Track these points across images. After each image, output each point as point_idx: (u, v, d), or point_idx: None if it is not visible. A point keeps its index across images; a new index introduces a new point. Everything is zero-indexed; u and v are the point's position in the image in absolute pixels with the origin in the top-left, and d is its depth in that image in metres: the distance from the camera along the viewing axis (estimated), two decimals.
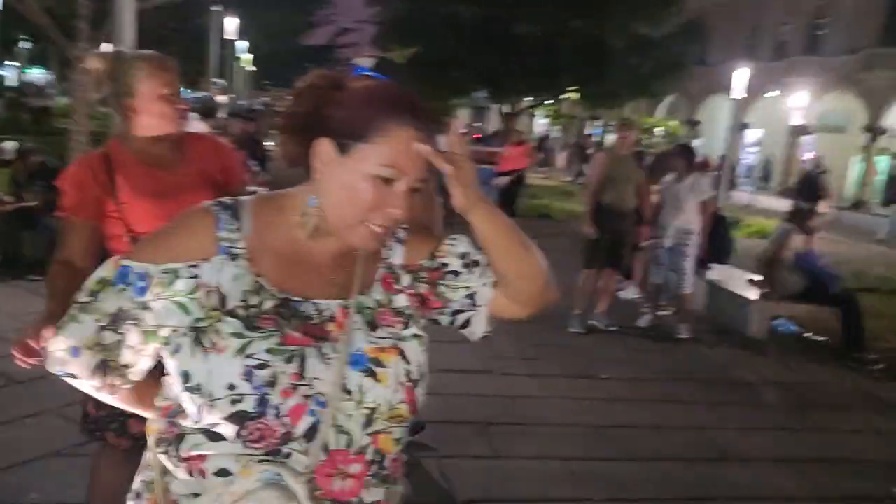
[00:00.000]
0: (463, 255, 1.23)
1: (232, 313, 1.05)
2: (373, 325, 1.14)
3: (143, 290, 1.07)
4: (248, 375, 1.02)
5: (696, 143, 28.92)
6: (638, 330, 6.44)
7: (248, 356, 1.03)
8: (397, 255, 1.23)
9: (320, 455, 1.04)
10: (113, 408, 2.12)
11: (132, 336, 1.10)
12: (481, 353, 5.06)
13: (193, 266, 1.07)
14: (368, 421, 1.08)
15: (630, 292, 7.47)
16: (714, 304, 7.06)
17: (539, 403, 4.51)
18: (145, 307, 1.07)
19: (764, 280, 6.69)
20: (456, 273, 1.23)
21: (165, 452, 1.09)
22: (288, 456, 1.03)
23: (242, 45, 23.95)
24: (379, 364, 1.11)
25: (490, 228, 1.16)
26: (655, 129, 25.85)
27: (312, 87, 1.13)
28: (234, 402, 1.02)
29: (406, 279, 1.21)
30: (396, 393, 1.10)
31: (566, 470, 3.63)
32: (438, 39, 18.44)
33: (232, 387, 1.02)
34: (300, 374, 1.04)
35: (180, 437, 1.08)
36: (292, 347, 1.06)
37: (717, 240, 6.84)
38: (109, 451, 2.23)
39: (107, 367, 1.13)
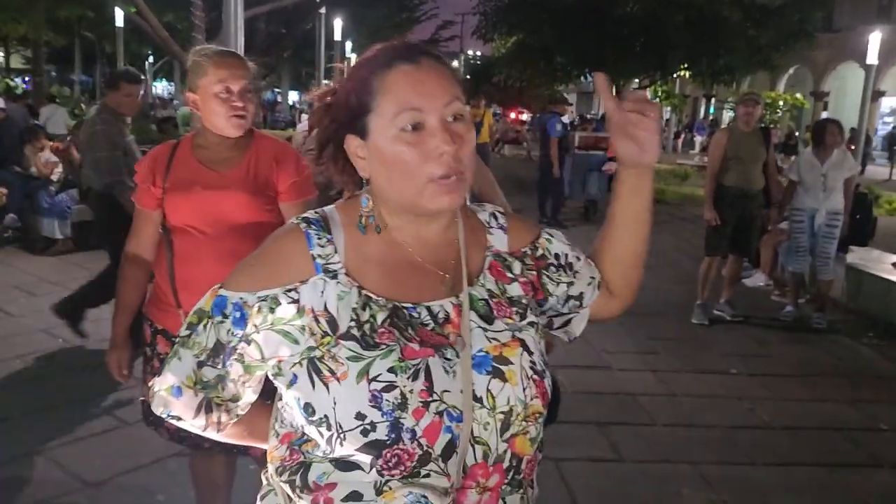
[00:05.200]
0: (558, 256, 1.19)
1: (346, 335, 0.97)
2: (489, 319, 1.05)
3: (241, 322, 1.00)
4: (376, 401, 0.94)
5: (823, 115, 27.18)
6: (767, 321, 6.00)
7: (373, 379, 0.95)
8: (501, 243, 1.15)
9: (460, 473, 0.97)
10: None
11: (234, 368, 1.03)
12: (596, 347, 4.85)
13: (291, 290, 0.99)
14: (505, 426, 1.00)
15: (757, 279, 6.99)
16: (855, 291, 6.47)
17: (662, 402, 4.25)
18: (247, 340, 1.00)
19: None
20: (556, 267, 1.18)
21: (289, 482, 1.02)
22: (427, 476, 0.95)
23: (349, 45, 24.50)
24: (504, 361, 1.02)
25: (644, 199, 1.14)
26: (779, 104, 24.23)
27: (318, 111, 1.09)
28: (365, 432, 0.94)
29: (517, 266, 1.14)
30: (527, 389, 1.02)
31: (696, 474, 3.38)
32: (541, 26, 18.09)
33: (361, 416, 0.94)
34: (429, 390, 0.96)
35: (307, 466, 1.01)
36: (414, 361, 0.97)
37: (860, 220, 6.27)
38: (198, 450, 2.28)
39: (211, 404, 1.07)
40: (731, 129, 6.01)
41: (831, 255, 5.82)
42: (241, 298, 1.00)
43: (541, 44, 18.41)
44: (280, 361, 1.01)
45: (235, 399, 1.08)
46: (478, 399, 0.98)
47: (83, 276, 6.23)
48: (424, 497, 0.94)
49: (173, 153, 2.12)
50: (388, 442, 0.94)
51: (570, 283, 1.18)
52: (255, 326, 1.00)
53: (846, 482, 3.44)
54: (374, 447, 0.94)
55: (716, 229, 5.69)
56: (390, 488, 0.94)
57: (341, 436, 0.95)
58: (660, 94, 24.87)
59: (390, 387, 0.94)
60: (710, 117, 31.03)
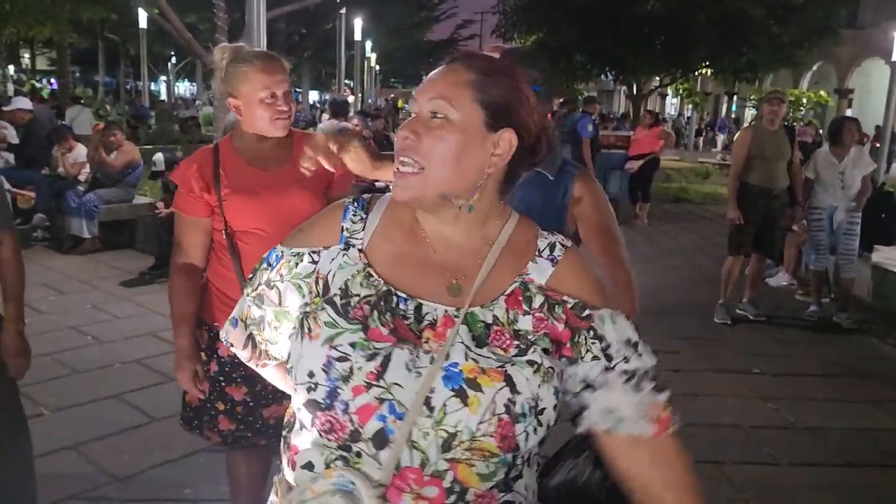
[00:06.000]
0: (601, 339, 1.05)
1: (329, 301, 1.06)
2: (480, 343, 1.01)
3: (274, 270, 1.15)
4: (327, 366, 1.00)
5: (847, 113, 26.80)
6: (790, 320, 5.95)
7: (334, 347, 1.01)
8: (541, 274, 1.07)
9: (392, 469, 0.98)
10: (206, 402, 2.17)
11: (269, 312, 1.16)
12: None
13: (315, 252, 1.12)
14: (446, 446, 0.97)
15: (780, 279, 6.94)
16: (881, 290, 6.39)
17: (685, 401, 4.23)
18: (270, 284, 1.14)
19: None
20: (595, 341, 1.05)
21: (284, 437, 1.12)
22: (359, 455, 0.99)
23: (369, 44, 24.61)
24: (475, 386, 0.97)
25: None
26: (802, 101, 23.92)
27: None
28: (309, 389, 1.01)
29: (538, 300, 1.05)
30: (484, 424, 0.96)
31: (720, 473, 3.38)
32: (560, 25, 18.02)
33: (311, 374, 1.01)
34: (378, 375, 0.98)
35: (291, 426, 1.10)
36: (379, 344, 1.00)
37: (885, 219, 6.20)
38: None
39: (255, 339, 1.21)
40: (756, 127, 5.96)
41: (854, 251, 5.77)
42: (281, 251, 1.15)
43: (560, 42, 18.33)
44: (293, 313, 1.12)
45: (272, 341, 1.19)
46: (430, 407, 0.97)
47: (111, 274, 6.35)
48: (352, 483, 0.96)
49: (217, 158, 2.13)
50: (323, 406, 0.99)
51: (588, 382, 1.06)
52: (281, 276, 1.13)
53: (870, 483, 3.41)
54: (312, 406, 1.01)
55: (739, 228, 5.65)
56: (336, 466, 1.00)
57: (295, 388, 1.03)
58: (681, 91, 24.68)
59: (344, 358, 1.00)
60: (733, 115, 30.73)
